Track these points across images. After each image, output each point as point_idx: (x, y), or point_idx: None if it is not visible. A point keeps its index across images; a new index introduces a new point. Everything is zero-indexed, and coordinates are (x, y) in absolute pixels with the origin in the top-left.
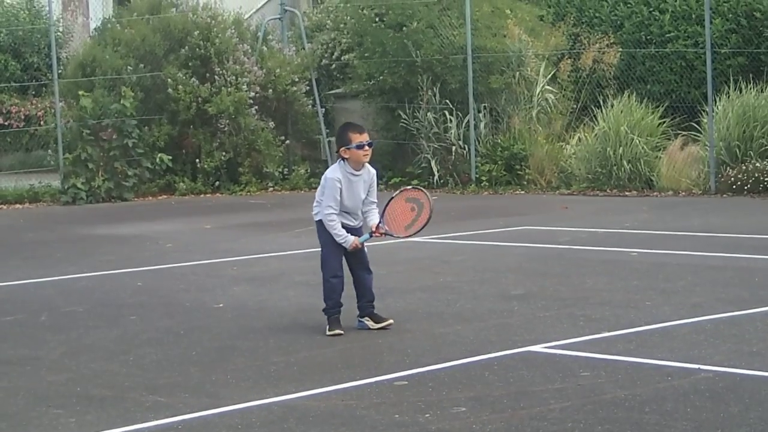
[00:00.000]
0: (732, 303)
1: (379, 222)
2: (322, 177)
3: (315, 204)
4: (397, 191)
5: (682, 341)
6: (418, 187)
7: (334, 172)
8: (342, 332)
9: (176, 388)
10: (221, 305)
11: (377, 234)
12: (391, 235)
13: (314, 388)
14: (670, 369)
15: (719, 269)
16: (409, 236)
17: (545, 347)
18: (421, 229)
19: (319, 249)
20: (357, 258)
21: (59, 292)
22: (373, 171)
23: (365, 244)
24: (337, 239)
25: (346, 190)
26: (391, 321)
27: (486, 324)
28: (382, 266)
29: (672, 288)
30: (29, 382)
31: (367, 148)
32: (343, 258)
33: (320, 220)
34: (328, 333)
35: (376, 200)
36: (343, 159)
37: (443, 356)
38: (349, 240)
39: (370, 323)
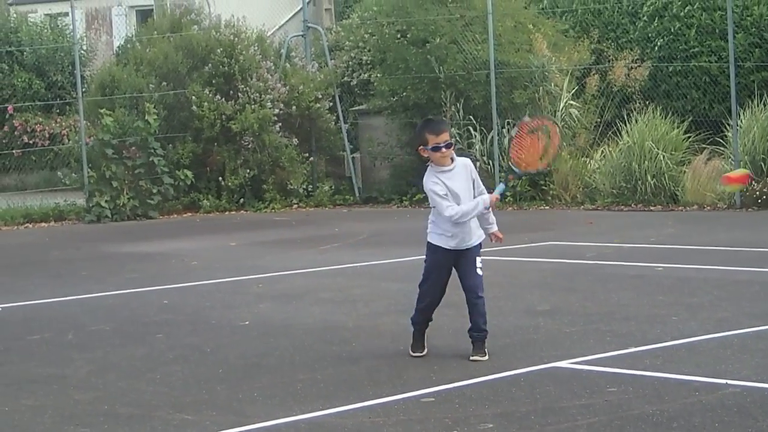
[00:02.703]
0: (758, 317)
1: (509, 168)
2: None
3: (429, 223)
4: (515, 127)
5: (709, 356)
6: (536, 115)
7: (428, 178)
8: (420, 354)
9: (203, 406)
10: (247, 323)
11: (511, 179)
12: (529, 174)
13: (341, 405)
14: (698, 384)
15: (745, 284)
16: (547, 167)
17: (572, 363)
18: (555, 156)
19: (342, 266)
20: (466, 282)
21: (85, 311)
22: (467, 160)
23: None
24: (475, 213)
25: (449, 186)
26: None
27: (512, 340)
28: (408, 282)
29: (698, 303)
30: (56, 401)
31: (444, 150)
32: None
33: (429, 242)
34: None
35: (481, 188)
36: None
37: (470, 372)
38: (486, 199)
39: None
